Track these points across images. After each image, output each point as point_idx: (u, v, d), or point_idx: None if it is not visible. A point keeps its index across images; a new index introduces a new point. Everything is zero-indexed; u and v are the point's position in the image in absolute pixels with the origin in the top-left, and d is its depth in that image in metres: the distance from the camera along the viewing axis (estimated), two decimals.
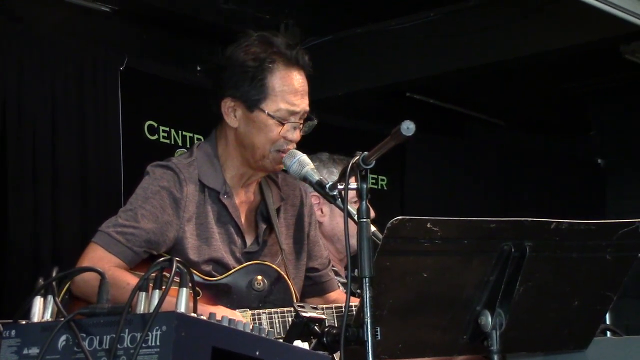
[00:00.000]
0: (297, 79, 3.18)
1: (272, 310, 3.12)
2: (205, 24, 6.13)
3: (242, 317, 3.01)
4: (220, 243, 3.16)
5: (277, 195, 3.34)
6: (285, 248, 3.29)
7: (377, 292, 2.41)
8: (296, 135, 3.17)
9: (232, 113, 3.19)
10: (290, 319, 3.08)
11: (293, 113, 3.15)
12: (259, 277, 3.15)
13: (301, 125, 3.18)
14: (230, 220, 3.20)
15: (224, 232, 3.19)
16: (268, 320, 3.09)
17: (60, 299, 2.20)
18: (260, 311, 3.11)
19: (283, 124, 3.13)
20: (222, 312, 2.93)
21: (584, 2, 5.13)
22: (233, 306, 3.09)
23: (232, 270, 3.15)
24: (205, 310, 2.83)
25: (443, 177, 7.78)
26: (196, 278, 3.04)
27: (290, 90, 3.15)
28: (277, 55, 3.17)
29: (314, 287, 3.39)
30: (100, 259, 2.99)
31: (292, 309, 3.11)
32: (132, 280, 2.94)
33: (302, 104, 3.17)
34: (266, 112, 3.13)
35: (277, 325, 3.09)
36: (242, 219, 3.25)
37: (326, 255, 3.47)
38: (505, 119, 8.41)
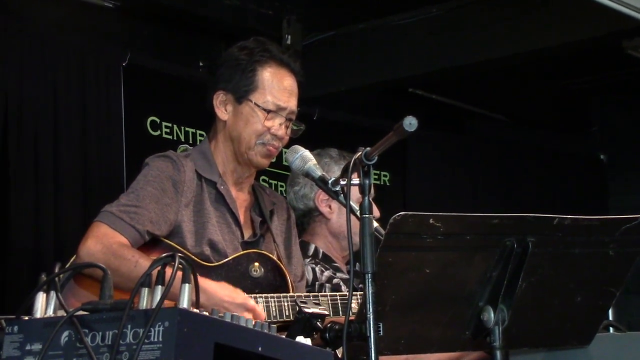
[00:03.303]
0: (287, 79, 3.32)
1: (269, 295, 3.15)
2: (208, 19, 6.14)
3: (244, 294, 3.05)
4: (217, 228, 3.23)
5: (268, 201, 3.45)
6: (279, 245, 3.36)
7: (379, 288, 2.41)
8: (282, 131, 3.29)
9: (222, 106, 3.32)
10: (286, 305, 3.12)
11: (280, 108, 3.27)
12: (256, 264, 3.21)
13: (287, 124, 3.29)
14: (227, 210, 3.29)
15: (222, 221, 3.27)
16: (265, 305, 3.12)
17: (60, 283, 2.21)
18: (257, 295, 3.14)
19: (268, 113, 3.24)
20: (225, 287, 3.01)
21: None
22: None
23: (230, 257, 3.20)
24: (209, 286, 2.92)
25: (445, 173, 7.77)
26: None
27: (279, 86, 3.29)
28: (270, 54, 3.32)
29: None
30: (105, 235, 3.03)
31: (288, 295, 3.15)
32: (136, 253, 2.99)
33: (290, 102, 3.30)
34: (254, 102, 3.26)
35: (274, 309, 3.13)
36: (240, 213, 3.31)
37: (302, 271, 3.53)
38: (507, 115, 8.40)
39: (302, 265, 3.54)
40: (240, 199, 3.36)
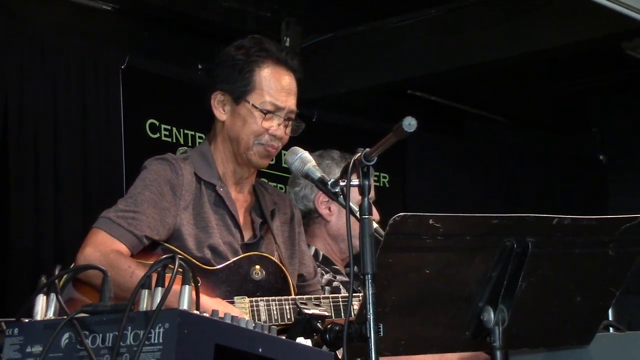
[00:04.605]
0: (285, 78, 3.27)
1: (270, 298, 3.14)
2: (207, 22, 6.14)
3: (238, 310, 3.04)
4: (217, 232, 3.20)
5: (270, 200, 3.42)
6: (280, 245, 3.33)
7: (379, 289, 2.41)
8: (280, 131, 3.25)
9: (220, 107, 3.28)
10: (288, 308, 3.11)
11: (278, 108, 3.23)
12: (257, 267, 3.18)
13: (287, 123, 3.26)
14: (227, 212, 3.26)
15: (221, 223, 3.24)
16: (266, 308, 3.11)
17: (61, 286, 2.21)
18: (258, 299, 3.12)
19: (265, 114, 3.21)
20: (219, 303, 2.99)
21: None
22: (231, 294, 3.12)
23: (231, 260, 3.17)
24: (203, 301, 2.83)
25: (445, 174, 7.77)
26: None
27: (276, 86, 3.24)
28: (267, 53, 3.27)
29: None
30: (103, 242, 3.02)
31: (290, 297, 3.14)
32: (133, 263, 2.97)
33: (288, 102, 3.25)
34: (251, 102, 3.22)
35: (275, 313, 3.12)
36: (239, 214, 3.29)
37: (314, 267, 3.51)
38: (506, 116, 8.41)
39: (313, 261, 3.52)
40: (241, 200, 3.34)
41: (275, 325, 3.00)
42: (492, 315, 2.56)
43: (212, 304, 2.94)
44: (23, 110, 5.22)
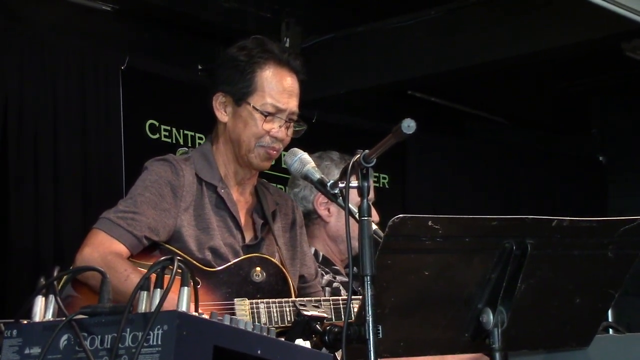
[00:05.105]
0: (287, 80, 3.26)
1: (270, 300, 3.14)
2: (207, 22, 6.14)
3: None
4: (218, 234, 3.20)
5: (271, 201, 3.42)
6: (281, 247, 3.33)
7: (378, 291, 2.41)
8: (282, 133, 3.24)
9: (222, 108, 3.28)
10: (288, 310, 3.10)
11: (279, 110, 3.22)
12: (258, 269, 3.18)
13: (288, 125, 3.25)
14: (228, 213, 3.26)
15: (222, 225, 3.24)
16: (266, 310, 3.11)
17: (59, 287, 2.20)
18: (259, 301, 3.12)
19: (266, 116, 3.20)
20: None
21: None
22: (231, 296, 3.11)
23: (232, 262, 3.17)
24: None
25: (444, 175, 7.77)
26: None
27: (278, 88, 3.23)
28: (269, 54, 3.26)
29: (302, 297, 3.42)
30: (102, 243, 3.02)
31: (290, 300, 3.14)
32: (129, 267, 2.97)
33: (290, 103, 3.24)
34: (252, 104, 3.21)
35: (275, 315, 3.11)
36: (241, 215, 3.28)
37: (315, 268, 3.51)
38: (506, 117, 8.41)
39: (314, 262, 3.52)
40: (242, 201, 3.33)
41: (275, 327, 3.00)
42: (492, 317, 2.56)
43: None
44: (23, 110, 5.22)
